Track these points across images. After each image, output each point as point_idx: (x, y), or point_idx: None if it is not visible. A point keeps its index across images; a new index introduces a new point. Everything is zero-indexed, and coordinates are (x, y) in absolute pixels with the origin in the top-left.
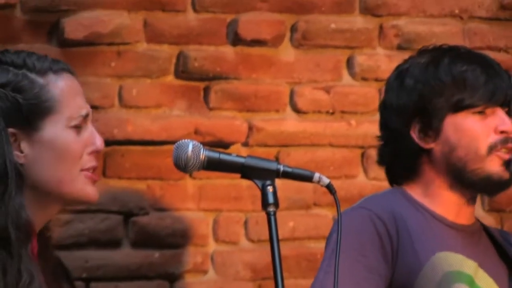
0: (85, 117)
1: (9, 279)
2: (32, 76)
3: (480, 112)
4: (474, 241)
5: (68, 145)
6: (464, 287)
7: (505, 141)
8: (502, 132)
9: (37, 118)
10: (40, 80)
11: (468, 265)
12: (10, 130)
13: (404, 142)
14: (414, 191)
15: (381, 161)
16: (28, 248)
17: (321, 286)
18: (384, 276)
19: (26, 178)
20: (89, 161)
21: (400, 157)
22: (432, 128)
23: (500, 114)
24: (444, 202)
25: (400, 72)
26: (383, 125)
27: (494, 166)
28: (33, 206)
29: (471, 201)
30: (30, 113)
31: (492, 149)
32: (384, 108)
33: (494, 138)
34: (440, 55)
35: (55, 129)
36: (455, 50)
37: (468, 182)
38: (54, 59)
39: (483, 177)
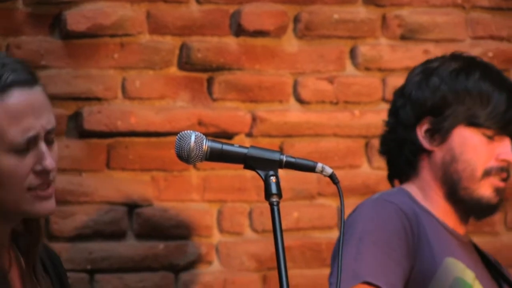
0: (33, 139)
1: None
2: None
3: (490, 137)
4: (469, 251)
5: (8, 170)
6: None
7: (500, 170)
8: (502, 160)
9: None
10: None
11: (468, 275)
12: None
13: (409, 135)
14: (415, 193)
15: (383, 149)
16: None
17: (354, 272)
18: (407, 270)
19: None
20: (35, 180)
21: (403, 149)
22: (440, 132)
23: (506, 143)
24: (442, 209)
25: (427, 69)
26: (394, 111)
27: (486, 191)
28: None
29: (464, 217)
30: None
31: (486, 174)
32: (400, 96)
33: (492, 163)
34: (473, 67)
35: None
36: (488, 67)
37: (459, 199)
38: (4, 67)
39: (473, 199)
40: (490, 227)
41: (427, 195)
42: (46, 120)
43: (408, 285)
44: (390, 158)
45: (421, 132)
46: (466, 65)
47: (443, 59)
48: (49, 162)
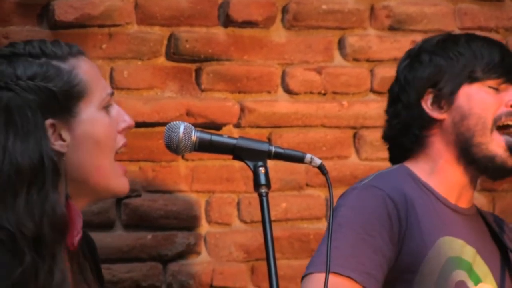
0: (111, 95)
1: (41, 280)
2: (55, 63)
3: (495, 88)
4: (473, 225)
5: (104, 128)
6: (463, 273)
7: (509, 114)
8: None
9: (72, 104)
10: (64, 65)
11: (467, 252)
12: (49, 121)
13: (416, 113)
14: (420, 169)
15: (387, 135)
16: (62, 246)
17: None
18: (389, 257)
19: (66, 168)
20: (121, 139)
21: (410, 129)
22: (445, 98)
23: None
24: (449, 181)
25: (411, 53)
26: (393, 100)
27: (498, 148)
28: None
29: (473, 182)
30: (65, 100)
31: (496, 121)
32: (395, 85)
33: (501, 110)
34: (455, 36)
35: (90, 112)
36: (469, 33)
37: (473, 157)
38: (66, 43)
39: (487, 156)
40: None
41: (435, 168)
42: None
43: (396, 270)
44: (395, 142)
45: (427, 105)
46: (448, 36)
47: (421, 42)
48: (129, 117)
